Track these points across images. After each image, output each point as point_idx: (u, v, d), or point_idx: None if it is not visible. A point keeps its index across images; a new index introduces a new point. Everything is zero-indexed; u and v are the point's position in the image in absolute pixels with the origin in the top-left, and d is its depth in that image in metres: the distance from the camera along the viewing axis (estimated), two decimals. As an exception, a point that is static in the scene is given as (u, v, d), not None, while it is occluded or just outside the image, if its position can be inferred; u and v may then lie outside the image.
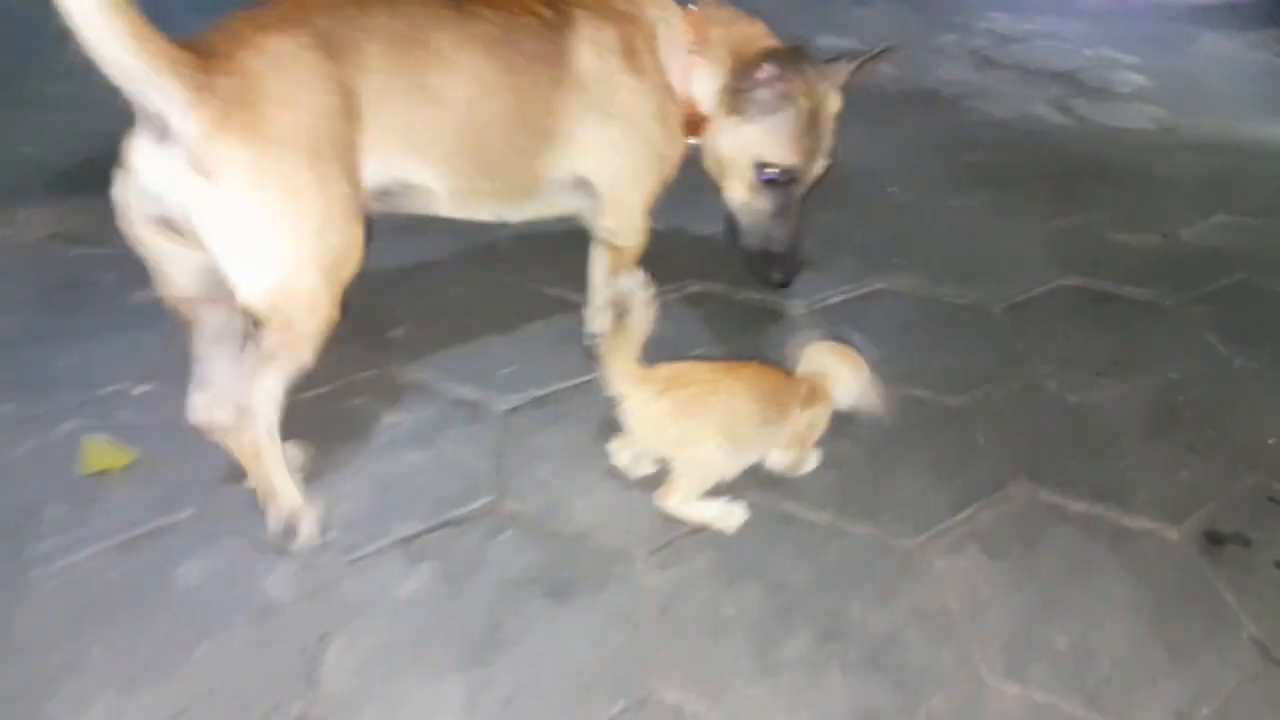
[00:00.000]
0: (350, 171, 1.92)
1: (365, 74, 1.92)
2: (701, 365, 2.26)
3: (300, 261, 1.85)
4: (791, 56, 2.29)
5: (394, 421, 2.50)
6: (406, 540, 2.16)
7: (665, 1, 2.40)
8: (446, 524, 2.21)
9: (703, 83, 2.40)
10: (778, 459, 2.38)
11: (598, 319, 2.71)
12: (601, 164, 2.37)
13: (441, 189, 2.19)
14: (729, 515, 2.27)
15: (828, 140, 2.43)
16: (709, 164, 2.51)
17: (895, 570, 2.19)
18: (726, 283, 3.18)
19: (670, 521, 2.24)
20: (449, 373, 2.68)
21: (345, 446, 2.39)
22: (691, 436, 2.16)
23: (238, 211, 1.76)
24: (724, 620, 2.03)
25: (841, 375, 2.34)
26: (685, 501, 2.24)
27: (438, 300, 3.02)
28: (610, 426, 2.35)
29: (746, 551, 2.20)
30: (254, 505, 2.09)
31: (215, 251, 1.78)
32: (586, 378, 2.69)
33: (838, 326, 3.02)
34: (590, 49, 2.24)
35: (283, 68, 1.80)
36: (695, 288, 3.17)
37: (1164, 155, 4.46)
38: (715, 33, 2.41)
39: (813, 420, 2.33)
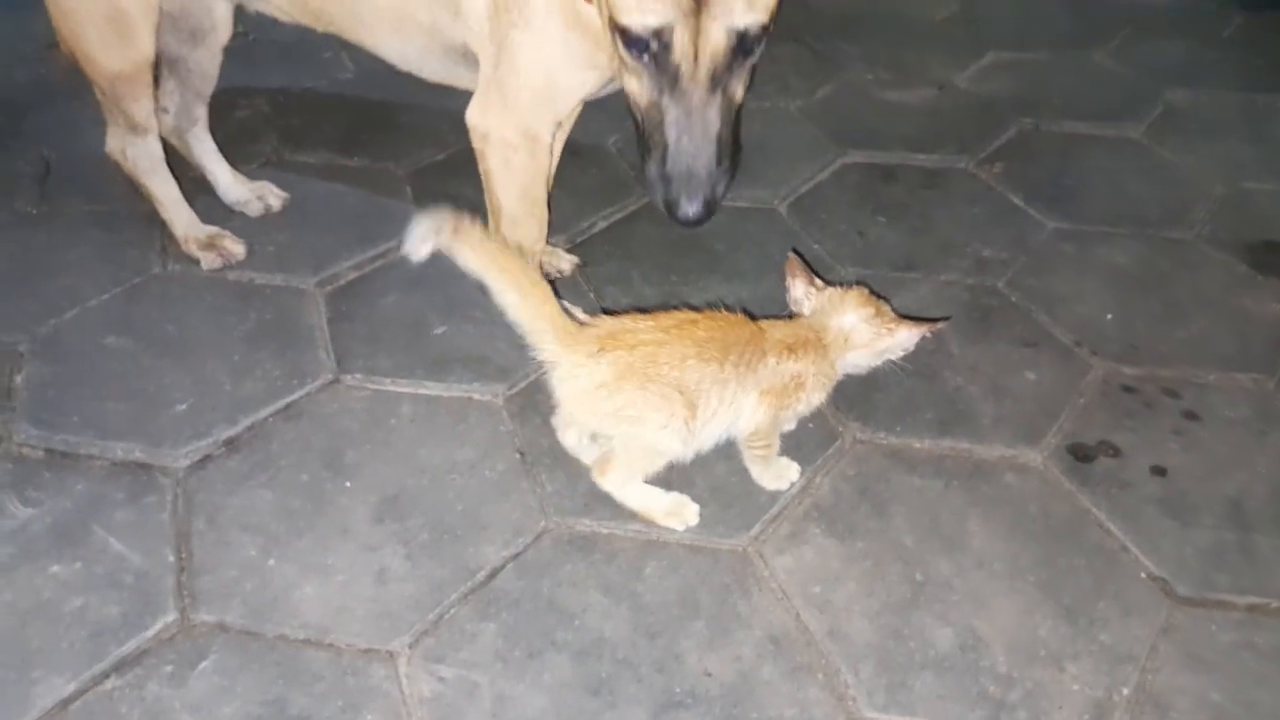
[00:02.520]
0: None
1: None
2: (645, 320, 1.75)
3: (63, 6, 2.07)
4: None
5: (18, 522, 1.77)
6: (52, 713, 1.49)
7: None
8: (114, 670, 1.54)
9: None
10: (750, 428, 1.80)
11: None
12: (472, 23, 1.87)
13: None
14: (681, 512, 1.80)
15: None
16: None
17: (730, 586, 1.71)
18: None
19: (437, 588, 1.67)
20: (96, 425, 1.96)
21: (-52, 578, 1.66)
22: (633, 411, 1.67)
23: None
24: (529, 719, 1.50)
25: (856, 331, 1.81)
26: (626, 481, 1.79)
27: (66, 313, 2.24)
28: (337, 459, 1.74)
29: (540, 603, 1.66)
30: None
31: None
32: (299, 393, 2.04)
33: (604, 264, 2.47)
34: None
35: None
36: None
37: (916, -5, 4.08)
38: None
39: (796, 375, 1.77)
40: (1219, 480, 1.93)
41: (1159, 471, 1.95)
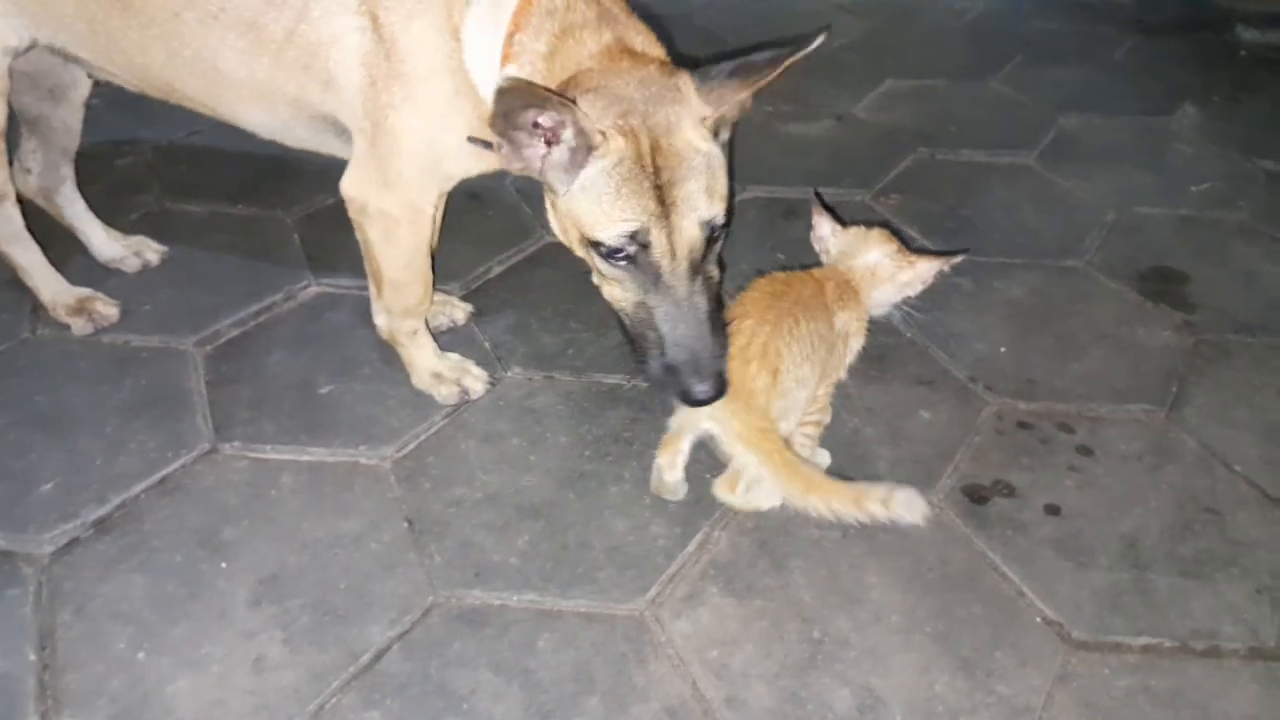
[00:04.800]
0: None
1: None
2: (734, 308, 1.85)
3: None
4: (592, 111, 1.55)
5: None
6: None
7: None
8: (-37, 788, 1.44)
9: None
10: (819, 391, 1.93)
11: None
12: (345, 96, 1.80)
13: (106, 67, 1.97)
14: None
15: (692, 186, 1.59)
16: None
17: (626, 655, 1.66)
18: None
19: (316, 675, 1.60)
20: (-43, 512, 1.85)
21: None
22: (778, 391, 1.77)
23: None
24: (411, 819, 1.43)
25: (880, 266, 1.93)
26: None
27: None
28: (213, 536, 1.65)
29: (428, 687, 1.60)
30: None
31: None
32: (174, 465, 1.95)
33: (500, 312, 2.41)
34: None
35: None
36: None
37: (816, 23, 4.09)
38: (541, 19, 1.67)
39: (849, 325, 1.91)
40: (1114, 518, 1.94)
41: (1054, 511, 1.96)
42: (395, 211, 1.88)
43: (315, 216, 2.71)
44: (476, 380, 2.15)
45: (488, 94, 1.68)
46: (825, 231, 2.00)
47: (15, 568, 1.76)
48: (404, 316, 2.07)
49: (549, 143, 1.57)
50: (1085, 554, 1.87)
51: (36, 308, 2.31)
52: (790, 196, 2.87)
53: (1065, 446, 2.10)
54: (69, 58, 2.00)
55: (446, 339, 2.27)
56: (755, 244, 2.68)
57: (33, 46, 1.96)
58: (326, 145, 1.95)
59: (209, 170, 2.91)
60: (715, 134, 1.66)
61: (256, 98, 1.87)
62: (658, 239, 1.60)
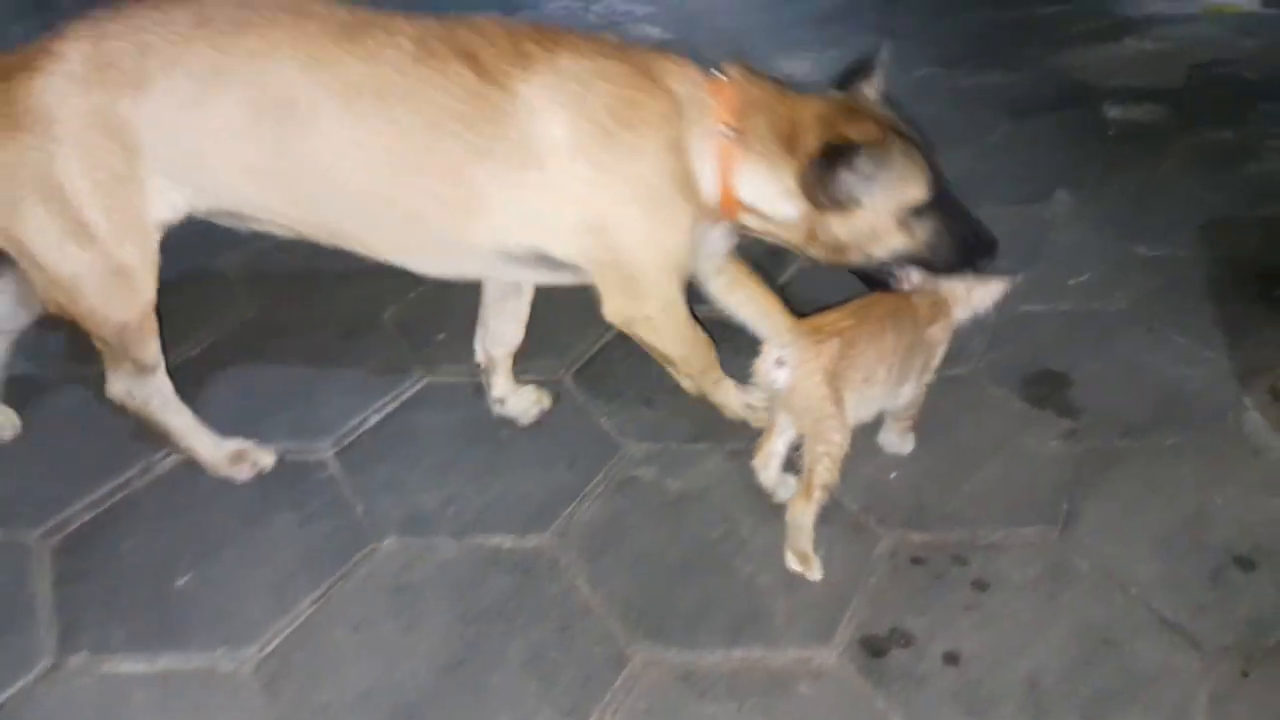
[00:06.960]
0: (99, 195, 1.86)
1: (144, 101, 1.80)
2: (835, 314, 2.07)
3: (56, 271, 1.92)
4: (858, 136, 1.95)
5: None
6: None
7: (690, 73, 2.01)
8: None
9: (753, 182, 2.02)
10: (903, 402, 2.25)
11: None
12: (575, 243, 2.00)
13: (292, 227, 2.01)
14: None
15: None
16: (822, 254, 2.13)
17: None
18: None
19: None
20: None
21: None
22: (863, 373, 2.03)
23: None
24: None
25: (955, 290, 2.22)
26: (820, 502, 2.01)
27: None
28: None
29: None
30: None
31: None
32: (12, 689, 1.79)
33: (374, 469, 2.29)
34: (556, 114, 1.87)
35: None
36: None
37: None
38: (754, 117, 2.00)
39: (939, 335, 2.22)
40: (1013, 659, 1.89)
41: (952, 660, 1.89)
42: (655, 314, 2.14)
43: (181, 367, 2.57)
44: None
45: (709, 187, 2.01)
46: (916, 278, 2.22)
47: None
48: (704, 373, 2.33)
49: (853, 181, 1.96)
50: (986, 704, 1.81)
51: None
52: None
53: (960, 582, 2.05)
54: (232, 216, 2.04)
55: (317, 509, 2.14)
56: (641, 370, 2.60)
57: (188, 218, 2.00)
58: (517, 276, 2.21)
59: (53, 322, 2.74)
60: None
61: (454, 253, 2.06)
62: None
